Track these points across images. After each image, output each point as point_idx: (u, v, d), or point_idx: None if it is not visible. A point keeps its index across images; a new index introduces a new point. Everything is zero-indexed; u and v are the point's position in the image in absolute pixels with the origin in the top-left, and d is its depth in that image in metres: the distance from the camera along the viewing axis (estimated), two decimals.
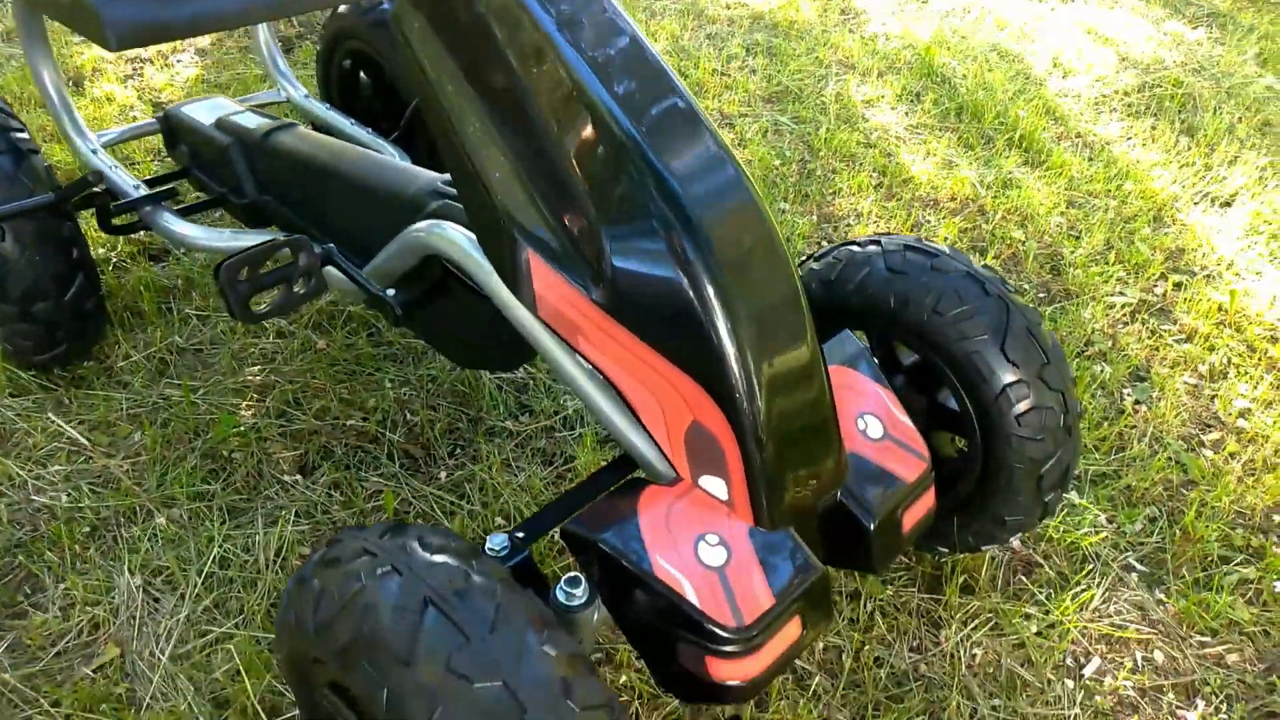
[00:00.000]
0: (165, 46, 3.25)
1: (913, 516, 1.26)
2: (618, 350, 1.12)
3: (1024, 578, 1.65)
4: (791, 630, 1.09)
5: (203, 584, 1.55)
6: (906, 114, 3.19)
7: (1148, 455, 1.89)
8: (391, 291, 1.44)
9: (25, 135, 1.74)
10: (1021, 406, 1.34)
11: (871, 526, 1.19)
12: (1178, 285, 2.39)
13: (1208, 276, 2.43)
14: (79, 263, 1.76)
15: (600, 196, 1.09)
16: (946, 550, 1.56)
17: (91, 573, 1.56)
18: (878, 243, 1.49)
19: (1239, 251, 2.51)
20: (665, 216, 1.05)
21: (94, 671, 1.42)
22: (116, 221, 1.88)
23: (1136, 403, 2.03)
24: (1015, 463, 1.37)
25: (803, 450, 1.13)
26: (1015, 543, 1.71)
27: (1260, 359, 2.17)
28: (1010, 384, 1.34)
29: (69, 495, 1.68)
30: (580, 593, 1.09)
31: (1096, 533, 1.74)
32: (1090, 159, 2.95)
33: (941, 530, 1.52)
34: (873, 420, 1.28)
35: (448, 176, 1.52)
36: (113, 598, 1.52)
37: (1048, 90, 3.37)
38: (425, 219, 1.40)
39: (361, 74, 2.35)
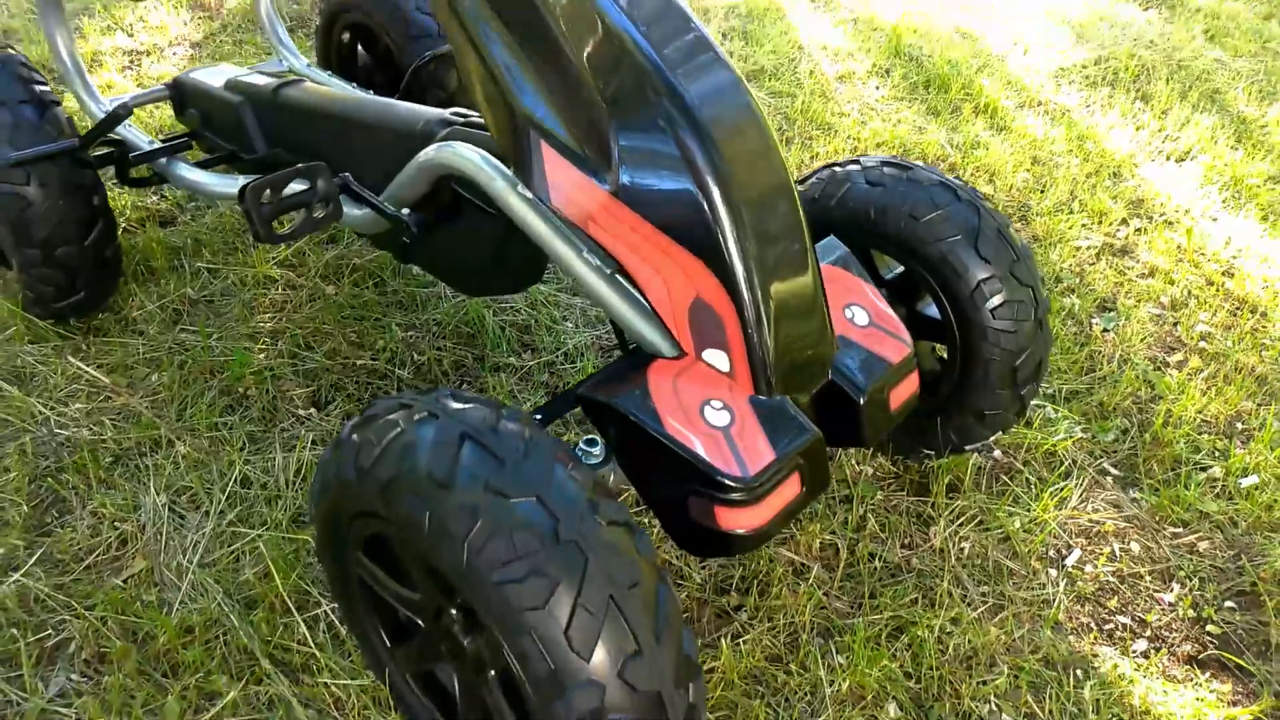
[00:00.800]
0: (161, 38, 3.33)
1: (898, 395, 1.35)
2: (626, 233, 1.21)
3: (1007, 479, 1.76)
4: (792, 486, 1.18)
5: (226, 501, 1.62)
6: (877, 87, 3.32)
7: (1117, 374, 2.01)
8: (406, 211, 1.53)
9: (47, 88, 1.82)
10: (995, 301, 1.44)
11: (861, 400, 1.29)
12: (1139, 230, 2.52)
13: (1166, 221, 2.57)
14: (99, 209, 1.83)
15: (611, 97, 1.19)
16: (932, 453, 1.65)
17: (117, 494, 1.62)
18: (857, 162, 1.60)
19: (1195, 200, 2.65)
20: (670, 112, 1.15)
21: (123, 582, 1.49)
22: (134, 175, 1.96)
23: (1105, 330, 2.15)
24: (991, 355, 1.47)
25: (796, 324, 1.23)
26: (997, 452, 1.81)
27: (1218, 290, 2.29)
28: (984, 279, 1.44)
29: (91, 429, 1.75)
30: (598, 451, 1.17)
31: (1071, 438, 1.84)
32: (1052, 123, 3.09)
33: (926, 433, 1.62)
34: (859, 310, 1.38)
35: (453, 111, 1.61)
36: (139, 516, 1.59)
37: (1009, 66, 3.52)
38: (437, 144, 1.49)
39: (359, 45, 2.44)
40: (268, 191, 1.50)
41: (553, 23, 1.21)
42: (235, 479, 1.65)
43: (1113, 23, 3.93)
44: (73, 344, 1.95)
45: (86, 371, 1.88)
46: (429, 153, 1.46)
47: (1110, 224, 2.53)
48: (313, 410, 1.84)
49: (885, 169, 1.55)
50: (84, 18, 3.39)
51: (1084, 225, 2.53)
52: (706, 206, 1.15)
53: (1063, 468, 1.79)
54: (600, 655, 0.90)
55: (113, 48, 3.21)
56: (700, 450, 1.12)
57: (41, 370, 1.88)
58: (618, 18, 1.16)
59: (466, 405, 1.03)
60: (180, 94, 2.15)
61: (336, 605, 1.44)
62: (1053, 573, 1.61)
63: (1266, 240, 2.46)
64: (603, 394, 1.16)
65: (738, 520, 1.14)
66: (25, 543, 1.54)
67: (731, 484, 1.12)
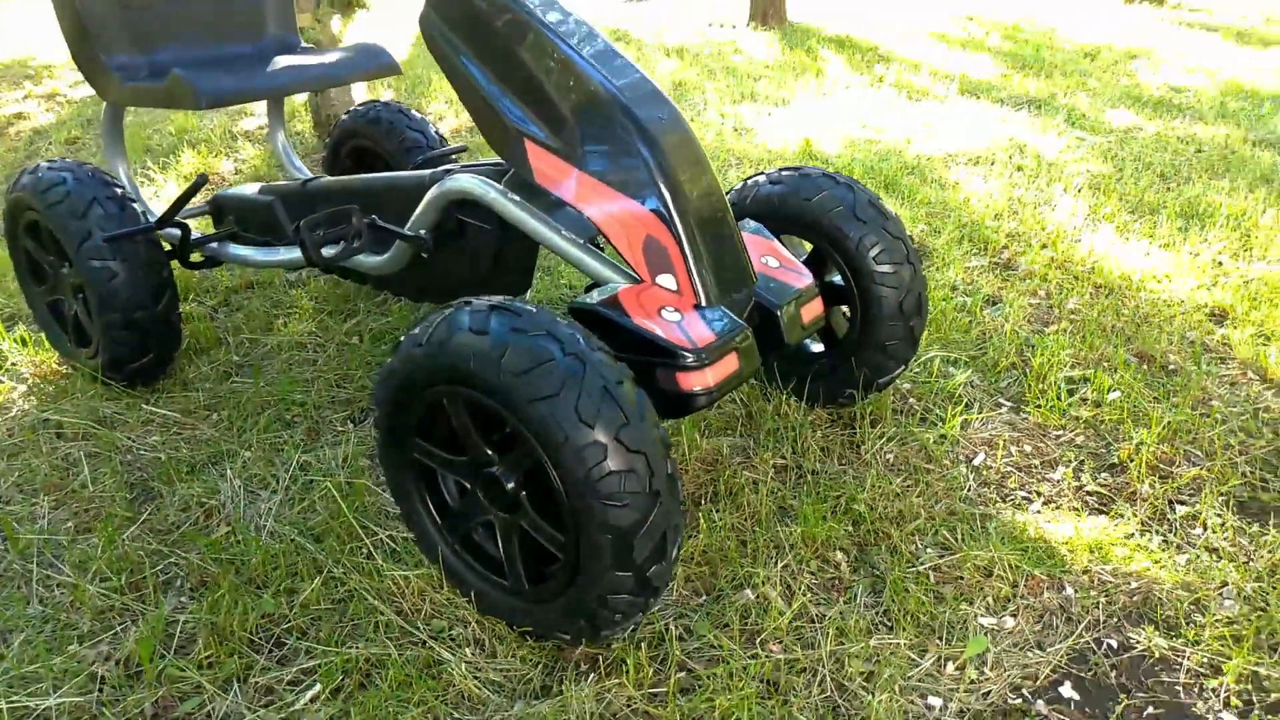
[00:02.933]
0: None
1: (808, 312, 1.80)
2: (593, 195, 1.69)
3: (919, 414, 2.17)
4: (731, 361, 1.60)
5: (290, 479, 1.98)
6: None
7: (1003, 341, 2.46)
8: (423, 232, 2.00)
9: (124, 191, 2.31)
10: (875, 250, 1.92)
11: (778, 311, 1.73)
12: (1019, 252, 3.06)
13: (1040, 244, 3.11)
14: (167, 280, 2.28)
15: (572, 107, 1.70)
16: (853, 393, 2.07)
17: (198, 485, 1.98)
18: (762, 173, 2.12)
19: (1062, 227, 3.21)
20: (611, 110, 1.66)
21: (212, 540, 1.83)
22: (193, 260, 2.42)
23: (993, 316, 2.62)
24: (881, 294, 1.93)
25: (722, 251, 1.69)
26: (911, 400, 2.23)
27: (1083, 281, 2.80)
28: (863, 234, 1.92)
29: (169, 452, 2.12)
30: None
31: (968, 383, 2.27)
32: (943, 189, 3.70)
33: (843, 378, 2.05)
34: (770, 259, 1.85)
35: (445, 168, 2.12)
36: (219, 497, 1.94)
37: (906, 155, 4.18)
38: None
39: (361, 162, 3.00)
40: (317, 229, 1.98)
41: (525, 60, 1.74)
42: (295, 465, 2.02)
43: (990, 120, 4.66)
44: (143, 398, 2.34)
45: (159, 413, 2.26)
46: (440, 185, 1.95)
47: (994, 249, 3.07)
48: (349, 425, 2.23)
49: (783, 172, 2.06)
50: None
51: (972, 252, 3.06)
52: (655, 181, 1.63)
53: (964, 403, 2.21)
54: (601, 423, 1.29)
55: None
56: (661, 334, 1.55)
57: (121, 417, 2.26)
58: (568, 53, 1.69)
59: (494, 299, 1.46)
60: (218, 207, 2.66)
61: (397, 533, 1.79)
62: (963, 469, 2.00)
63: (1120, 247, 3.00)
64: (588, 304, 1.60)
65: (694, 381, 1.55)
66: (130, 519, 1.88)
67: (686, 353, 1.54)
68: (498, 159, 2.03)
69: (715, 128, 4.75)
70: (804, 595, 1.62)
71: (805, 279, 1.83)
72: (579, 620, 1.43)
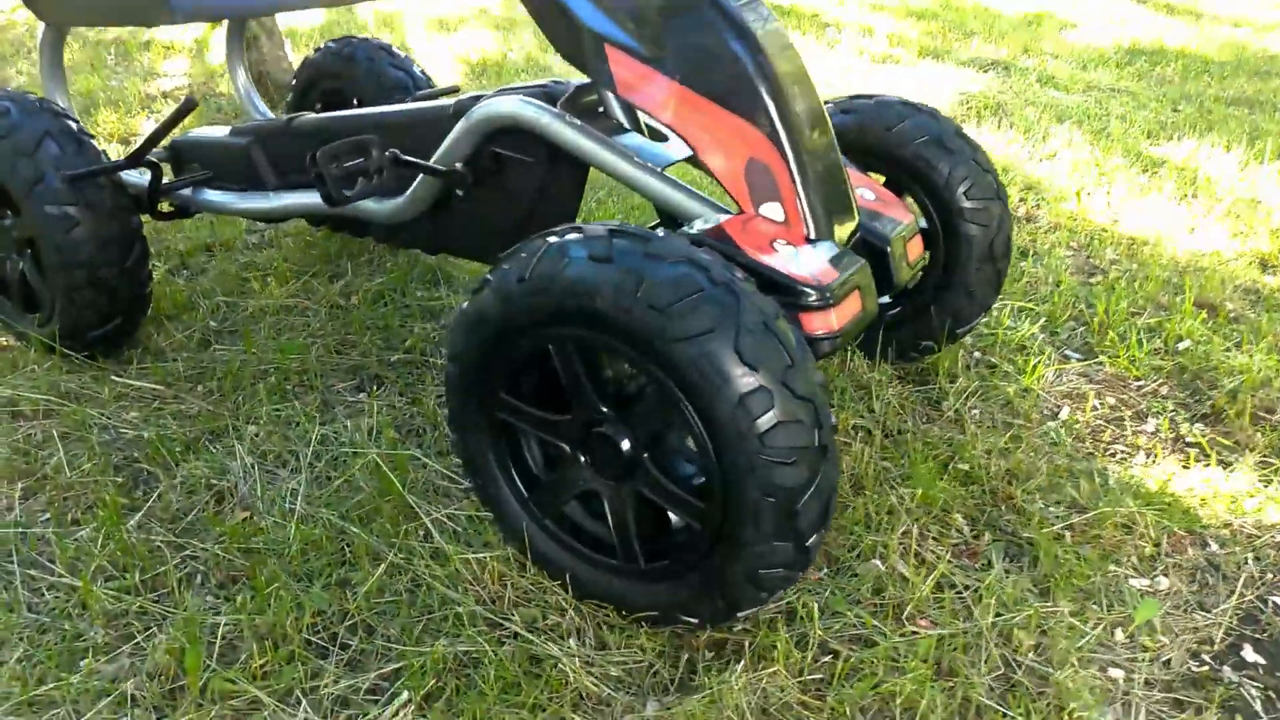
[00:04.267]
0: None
1: (913, 249, 1.62)
2: (687, 111, 1.47)
3: (991, 368, 2.03)
4: (854, 301, 1.41)
5: (313, 454, 1.70)
6: None
7: (1055, 291, 2.35)
8: (459, 165, 1.73)
9: (81, 126, 1.96)
10: (966, 184, 1.76)
11: (888, 248, 1.55)
12: (1036, 205, 2.96)
13: (1056, 197, 3.02)
14: (135, 231, 1.95)
15: (660, 7, 1.46)
16: (930, 345, 1.91)
17: (203, 464, 1.68)
18: (829, 102, 1.93)
19: (1070, 183, 3.13)
20: (711, 13, 1.43)
21: (232, 526, 1.54)
22: (162, 209, 2.09)
23: (1033, 267, 2.51)
24: (970, 233, 1.77)
25: (829, 181, 1.49)
26: (975, 353, 2.09)
27: (1112, 235, 2.72)
28: (953, 166, 1.75)
29: (156, 430, 1.80)
30: None
31: (1035, 339, 2.14)
32: None
33: (919, 329, 1.89)
34: (864, 191, 1.66)
35: (471, 95, 1.85)
36: (229, 478, 1.65)
37: None
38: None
39: (333, 108, 2.68)
40: (335, 160, 1.69)
41: None
42: (315, 439, 1.74)
43: (959, 82, 4.59)
44: (111, 371, 2.01)
45: (135, 385, 1.94)
46: (478, 111, 1.68)
47: (1011, 203, 2.96)
48: (362, 395, 1.95)
49: (856, 100, 1.87)
50: None
51: None
52: (748, 77, 1.42)
53: (1034, 356, 2.08)
54: (765, 365, 1.08)
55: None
56: (781, 269, 1.35)
57: (88, 391, 1.93)
58: None
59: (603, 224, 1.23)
60: (177, 155, 2.30)
61: (456, 510, 1.55)
62: (1052, 424, 1.86)
63: (1138, 202, 2.93)
64: (692, 236, 1.38)
65: (818, 323, 1.35)
66: (128, 503, 1.58)
67: (811, 290, 1.34)
68: (524, 83, 1.78)
69: None
70: (938, 564, 1.45)
71: (906, 211, 1.65)
72: (715, 599, 1.22)
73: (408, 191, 1.84)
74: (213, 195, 2.07)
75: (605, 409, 1.24)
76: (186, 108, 1.83)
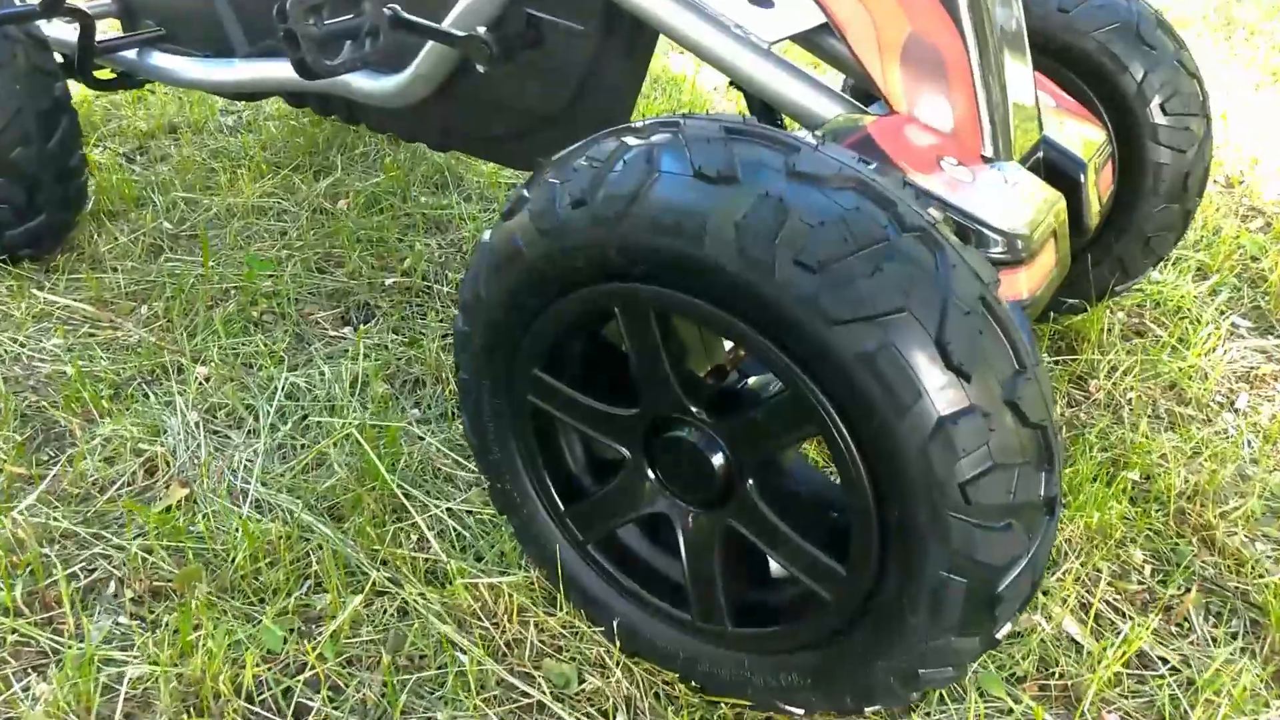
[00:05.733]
0: None
1: (1105, 179, 1.18)
2: None
3: (1151, 330, 1.60)
4: (1050, 254, 0.98)
5: (276, 415, 1.30)
6: None
7: (1212, 238, 1.89)
8: (481, 29, 1.27)
9: None
10: (1165, 92, 1.29)
11: (1082, 176, 1.10)
12: None
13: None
14: (61, 103, 1.51)
15: None
16: (1077, 303, 1.49)
17: (130, 420, 1.28)
18: None
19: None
20: None
21: (163, 512, 1.15)
22: (100, 77, 1.63)
23: None
24: (1160, 159, 1.32)
25: (1016, 75, 1.04)
26: (1121, 314, 1.66)
27: (1259, 171, 2.24)
28: (1149, 68, 1.29)
29: (79, 363, 1.40)
30: None
31: (1192, 296, 1.70)
32: None
33: (1071, 276, 1.44)
34: (1042, 94, 1.20)
35: None
36: (165, 440, 1.25)
37: None
38: None
39: None
40: (312, 14, 1.24)
41: None
42: (280, 392, 1.34)
43: None
44: (33, 282, 1.59)
45: (60, 303, 1.52)
46: None
47: None
48: (347, 330, 1.54)
49: None
50: None
51: None
52: None
53: (1194, 322, 1.64)
54: (981, 373, 0.66)
55: None
56: (959, 201, 0.91)
57: (2, 307, 1.52)
58: None
59: (708, 120, 0.79)
60: (127, 7, 1.82)
61: (460, 506, 1.15)
62: (1230, 416, 1.45)
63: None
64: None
65: (1006, 286, 0.92)
66: (26, 472, 1.18)
67: (1000, 237, 0.90)
68: None
69: None
70: (1123, 626, 1.05)
71: (1098, 124, 1.20)
72: (840, 692, 0.83)
73: (411, 65, 1.38)
74: (163, 60, 1.61)
75: (694, 408, 0.82)
76: None
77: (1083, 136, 1.16)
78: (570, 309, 0.83)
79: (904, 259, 0.67)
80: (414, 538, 1.11)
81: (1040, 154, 1.10)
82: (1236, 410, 1.46)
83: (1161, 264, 1.80)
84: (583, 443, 0.97)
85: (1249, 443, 1.39)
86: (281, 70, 1.53)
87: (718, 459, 0.83)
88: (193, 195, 1.87)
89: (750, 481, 0.82)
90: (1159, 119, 1.30)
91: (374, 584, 1.04)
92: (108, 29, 1.89)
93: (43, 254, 1.64)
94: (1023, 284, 0.93)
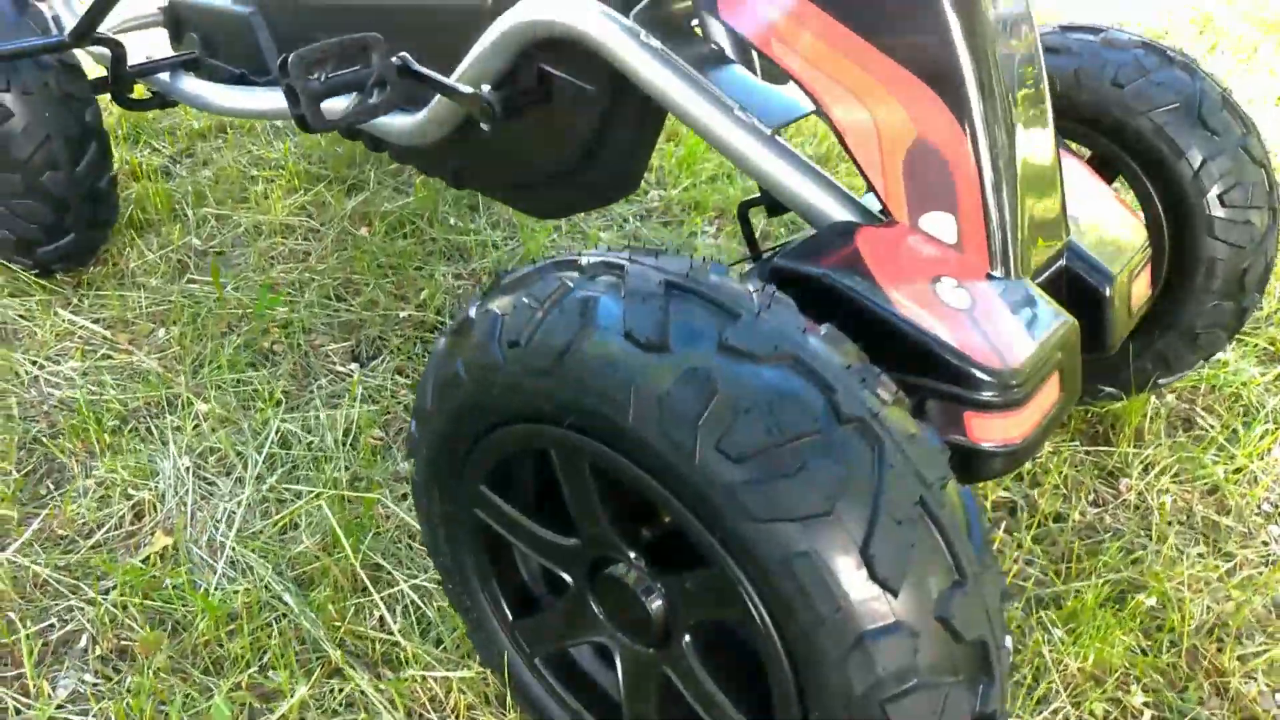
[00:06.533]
0: None
1: (1139, 289, 1.08)
2: (824, 50, 0.93)
3: (1196, 423, 1.48)
4: (1052, 390, 0.90)
5: (264, 464, 1.30)
6: None
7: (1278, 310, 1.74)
8: (486, 88, 1.23)
9: None
10: (1225, 183, 1.18)
11: (1108, 291, 1.01)
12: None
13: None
14: (92, 129, 1.52)
15: None
16: (1114, 392, 1.38)
17: (128, 459, 1.30)
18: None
19: None
20: None
21: (143, 562, 1.16)
22: (132, 97, 1.65)
23: None
24: (1215, 254, 1.20)
25: (1035, 183, 0.95)
26: (1169, 397, 1.54)
27: None
28: (1210, 158, 1.17)
29: (90, 390, 1.43)
30: None
31: (1253, 383, 1.57)
32: None
33: (1110, 365, 1.34)
34: (1076, 187, 1.10)
35: None
36: (156, 483, 1.27)
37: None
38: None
39: None
40: (316, 67, 1.21)
41: None
42: (272, 439, 1.34)
43: None
44: (61, 298, 1.63)
45: (80, 325, 1.55)
46: (516, 13, 1.17)
47: None
48: (354, 366, 1.53)
49: (1070, 34, 1.28)
50: None
51: None
52: (940, 16, 0.87)
53: (1252, 417, 1.51)
54: (911, 585, 0.60)
55: None
56: (947, 336, 0.83)
57: (26, 325, 1.56)
58: None
59: (656, 261, 0.74)
60: (176, 16, 1.84)
61: (425, 582, 1.13)
62: (1275, 529, 1.33)
63: None
64: (809, 264, 0.87)
65: (995, 431, 0.85)
66: (19, 515, 1.21)
67: (990, 379, 0.83)
68: None
69: None
70: None
71: (1137, 227, 1.10)
72: None
73: (426, 108, 1.35)
74: (193, 85, 1.62)
75: (631, 553, 0.78)
76: None
77: (1118, 240, 1.06)
78: (511, 438, 0.79)
79: (835, 456, 0.61)
80: (376, 615, 1.10)
81: (1063, 262, 1.01)
82: None
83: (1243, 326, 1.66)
84: (532, 559, 0.93)
85: None
86: None
87: (655, 604, 0.79)
88: (224, 211, 1.88)
89: (686, 637, 0.77)
90: (1216, 211, 1.19)
91: (330, 664, 1.04)
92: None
93: (74, 268, 1.68)
94: (1013, 429, 0.85)
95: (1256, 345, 1.67)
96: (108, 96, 1.62)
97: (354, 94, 1.27)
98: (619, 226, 1.93)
